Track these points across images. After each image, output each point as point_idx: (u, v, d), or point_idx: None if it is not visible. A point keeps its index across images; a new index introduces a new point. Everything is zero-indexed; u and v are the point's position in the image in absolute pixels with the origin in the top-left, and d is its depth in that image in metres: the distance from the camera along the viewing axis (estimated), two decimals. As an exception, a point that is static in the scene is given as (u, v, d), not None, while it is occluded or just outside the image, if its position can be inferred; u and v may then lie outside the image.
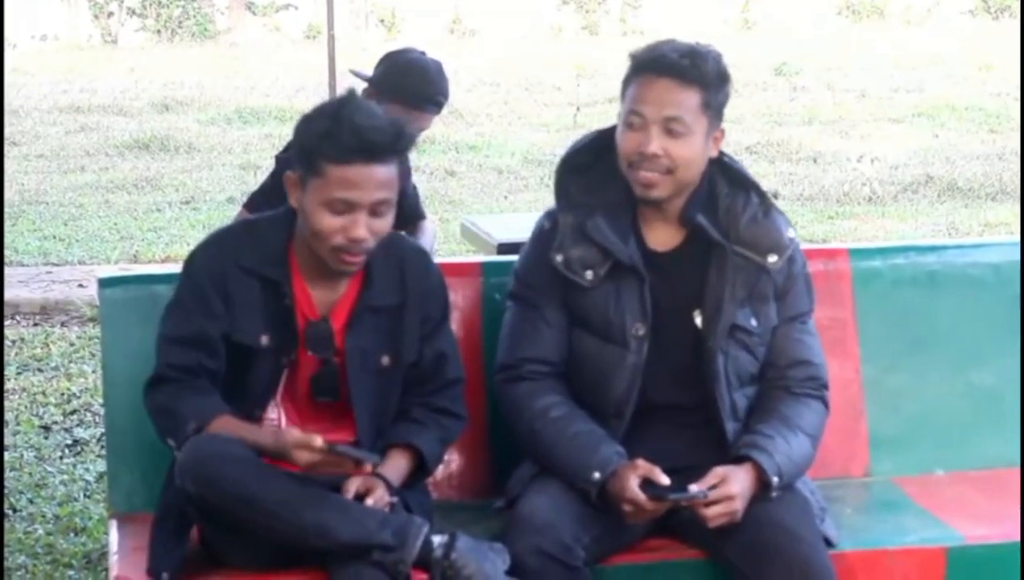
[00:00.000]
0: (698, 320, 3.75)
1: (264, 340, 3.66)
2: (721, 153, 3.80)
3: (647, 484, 3.55)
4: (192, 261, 3.71)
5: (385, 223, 3.60)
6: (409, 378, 3.76)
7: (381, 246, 3.65)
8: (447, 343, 3.81)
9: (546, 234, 3.80)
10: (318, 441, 3.43)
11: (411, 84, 5.37)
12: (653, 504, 3.54)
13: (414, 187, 5.78)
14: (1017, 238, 4.88)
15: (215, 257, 3.68)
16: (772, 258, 3.76)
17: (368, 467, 3.50)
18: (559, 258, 3.75)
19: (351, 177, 3.52)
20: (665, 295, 3.75)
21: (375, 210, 3.56)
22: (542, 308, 3.79)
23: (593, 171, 3.81)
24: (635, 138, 3.68)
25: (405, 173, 5.35)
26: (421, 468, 3.73)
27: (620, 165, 3.73)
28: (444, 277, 3.84)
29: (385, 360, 3.72)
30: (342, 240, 3.56)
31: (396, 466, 3.66)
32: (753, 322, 3.76)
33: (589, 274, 3.74)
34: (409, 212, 5.56)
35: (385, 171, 3.55)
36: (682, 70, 3.66)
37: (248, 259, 3.66)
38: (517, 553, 3.53)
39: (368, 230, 3.55)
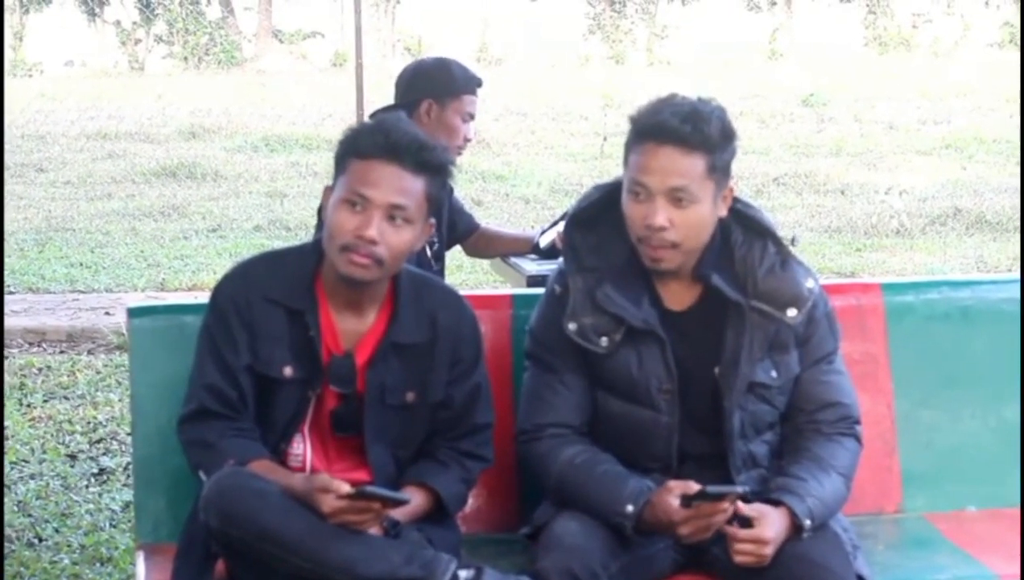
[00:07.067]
0: (718, 376, 3.71)
1: (288, 371, 3.64)
2: (735, 198, 3.73)
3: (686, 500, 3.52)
4: (218, 292, 3.71)
5: (400, 236, 3.57)
6: (439, 421, 3.74)
7: (411, 285, 3.67)
8: (478, 387, 3.78)
9: (558, 299, 3.74)
10: (344, 487, 3.39)
11: (452, 76, 5.42)
12: (706, 509, 3.49)
13: (459, 202, 5.87)
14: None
15: (240, 288, 3.68)
16: (791, 312, 3.70)
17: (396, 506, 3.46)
18: (572, 326, 3.69)
19: (371, 172, 3.54)
20: (685, 353, 3.71)
21: (391, 214, 3.54)
22: (560, 371, 3.75)
23: (600, 227, 3.74)
24: (641, 209, 3.60)
25: (447, 193, 5.41)
26: (441, 508, 3.70)
27: (629, 233, 3.67)
28: (477, 320, 3.82)
29: (410, 396, 3.70)
30: (351, 238, 3.53)
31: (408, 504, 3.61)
32: (773, 374, 3.72)
33: (604, 341, 3.69)
34: (464, 228, 5.74)
35: (408, 178, 3.55)
36: (684, 137, 3.55)
37: (273, 290, 3.65)
38: (544, 571, 3.51)
39: (379, 233, 3.53)
